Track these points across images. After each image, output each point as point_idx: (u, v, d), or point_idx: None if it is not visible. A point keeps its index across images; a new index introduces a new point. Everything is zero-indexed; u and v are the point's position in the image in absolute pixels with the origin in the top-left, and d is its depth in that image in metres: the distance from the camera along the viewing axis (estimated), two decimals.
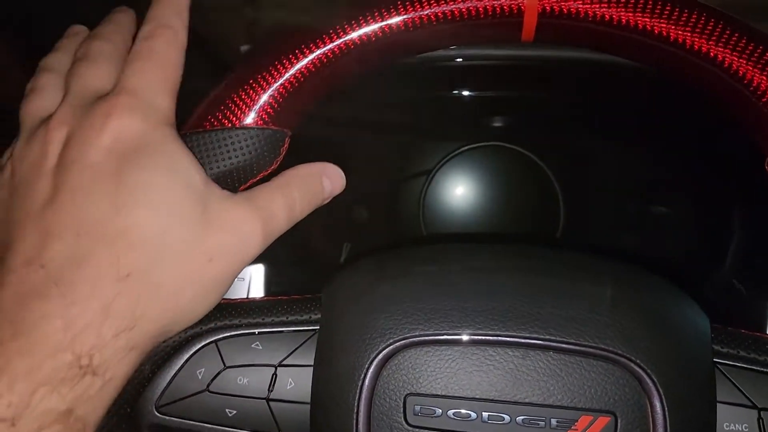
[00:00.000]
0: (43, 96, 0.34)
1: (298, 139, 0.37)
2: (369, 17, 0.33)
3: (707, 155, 0.68)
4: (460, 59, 0.48)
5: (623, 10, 0.32)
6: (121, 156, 0.30)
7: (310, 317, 0.34)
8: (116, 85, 0.32)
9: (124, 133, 0.30)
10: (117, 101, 0.30)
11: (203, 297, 0.32)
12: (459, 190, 0.74)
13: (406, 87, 0.60)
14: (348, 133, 0.71)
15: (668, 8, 0.32)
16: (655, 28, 0.32)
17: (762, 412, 0.31)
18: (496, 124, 0.73)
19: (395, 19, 0.33)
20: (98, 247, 0.28)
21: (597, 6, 0.32)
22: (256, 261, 0.39)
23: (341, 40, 0.33)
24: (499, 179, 0.74)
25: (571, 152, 0.74)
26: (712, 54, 0.32)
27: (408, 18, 0.33)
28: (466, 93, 0.62)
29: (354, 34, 0.33)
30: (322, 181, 0.36)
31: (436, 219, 0.74)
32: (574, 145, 0.74)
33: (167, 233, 0.29)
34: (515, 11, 0.33)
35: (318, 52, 0.33)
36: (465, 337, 0.31)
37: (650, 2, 0.32)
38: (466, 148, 0.74)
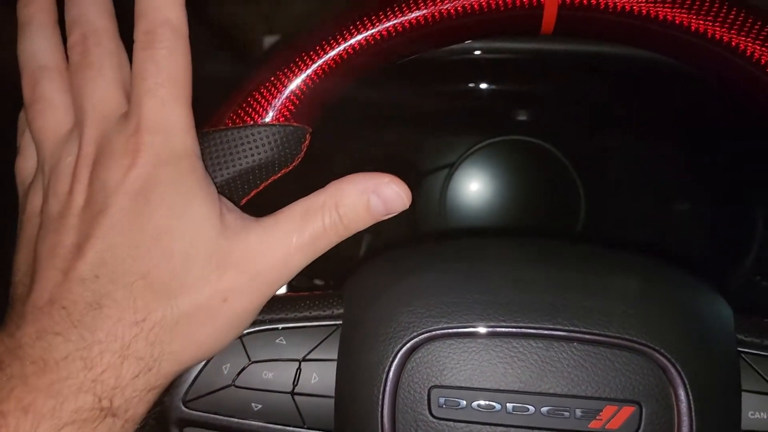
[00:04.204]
0: (55, 111, 0.33)
1: (318, 133, 0.36)
2: (388, 13, 0.33)
3: (729, 153, 0.67)
4: (482, 52, 0.48)
5: (643, 1, 0.32)
6: (144, 201, 0.30)
7: (333, 312, 0.34)
8: (133, 115, 0.31)
9: (148, 180, 0.30)
10: (139, 143, 0.30)
11: (220, 336, 0.32)
12: (480, 184, 0.74)
13: (428, 81, 0.60)
14: (367, 126, 0.71)
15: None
16: (676, 18, 0.32)
17: None
18: (519, 118, 0.73)
19: (414, 14, 0.33)
20: (116, 290, 0.29)
21: None
22: None
23: (361, 35, 0.34)
24: (520, 173, 0.73)
25: (592, 147, 0.74)
26: (733, 43, 0.32)
27: (427, 12, 0.33)
28: (487, 87, 0.62)
29: (371, 31, 0.34)
30: (370, 200, 0.32)
31: (457, 213, 0.74)
32: (596, 140, 0.74)
33: (181, 277, 0.30)
34: (535, 4, 0.33)
35: (338, 48, 0.34)
36: (488, 330, 0.31)
37: None
38: (488, 142, 0.73)
